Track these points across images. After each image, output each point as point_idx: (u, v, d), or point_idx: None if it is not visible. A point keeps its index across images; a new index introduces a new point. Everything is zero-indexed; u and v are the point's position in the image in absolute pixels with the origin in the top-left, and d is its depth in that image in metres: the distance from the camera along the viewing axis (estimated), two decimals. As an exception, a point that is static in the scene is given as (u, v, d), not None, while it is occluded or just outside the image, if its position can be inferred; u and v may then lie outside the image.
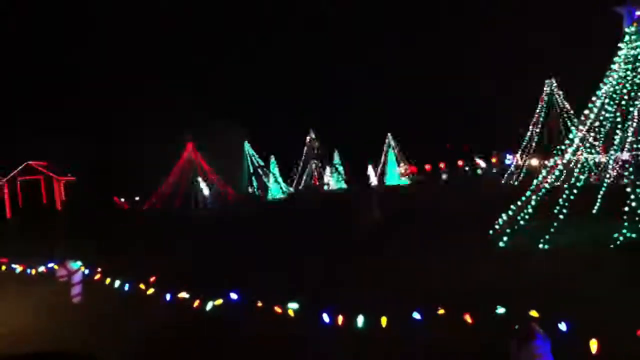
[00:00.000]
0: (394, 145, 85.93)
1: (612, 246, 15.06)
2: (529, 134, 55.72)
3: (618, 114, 18.17)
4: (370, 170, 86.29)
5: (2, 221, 52.89)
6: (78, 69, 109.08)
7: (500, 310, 6.89)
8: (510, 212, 18.52)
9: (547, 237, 16.02)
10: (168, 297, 10.71)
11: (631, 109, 18.17)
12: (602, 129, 18.51)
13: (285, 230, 29.93)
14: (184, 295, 10.43)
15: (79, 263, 13.41)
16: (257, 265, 17.64)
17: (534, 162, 52.73)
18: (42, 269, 15.41)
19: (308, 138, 79.24)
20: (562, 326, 6.08)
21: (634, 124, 18.35)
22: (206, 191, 64.91)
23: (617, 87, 18.14)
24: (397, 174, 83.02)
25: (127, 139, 74.25)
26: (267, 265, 17.52)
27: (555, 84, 54.25)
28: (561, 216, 16.75)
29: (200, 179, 64.53)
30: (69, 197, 58.80)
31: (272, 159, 72.00)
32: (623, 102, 18.14)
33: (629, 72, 17.96)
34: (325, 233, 25.63)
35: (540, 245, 15.87)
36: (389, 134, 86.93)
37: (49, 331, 11.14)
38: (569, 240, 15.75)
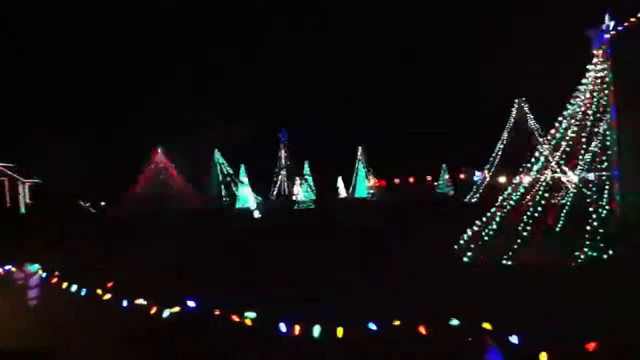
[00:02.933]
0: (364, 160, 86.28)
1: (573, 264, 15.22)
2: (497, 151, 56.47)
3: (584, 134, 18.44)
4: (340, 182, 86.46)
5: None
6: (50, 72, 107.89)
7: (455, 322, 6.90)
8: (475, 228, 18.63)
9: (510, 253, 16.15)
10: (125, 303, 10.54)
11: (596, 129, 18.44)
12: (567, 149, 18.77)
13: (250, 238, 29.80)
14: (141, 301, 10.28)
15: (36, 266, 13.16)
16: (219, 273, 17.49)
17: (501, 179, 53.30)
18: (-1, 271, 15.11)
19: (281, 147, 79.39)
20: (514, 339, 6.11)
21: (599, 145, 18.62)
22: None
23: (583, 109, 18.43)
24: (366, 187, 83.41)
25: (96, 143, 73.57)
26: (229, 273, 17.39)
27: (524, 104, 55.15)
28: (525, 233, 16.92)
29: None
30: (34, 200, 57.77)
31: (242, 168, 71.77)
32: (589, 123, 18.42)
33: (595, 94, 18.25)
34: (290, 243, 25.61)
35: (504, 261, 15.99)
36: (359, 148, 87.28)
37: (5, 332, 10.88)
38: (532, 256, 15.87)
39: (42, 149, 60.86)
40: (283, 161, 73.03)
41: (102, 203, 66.12)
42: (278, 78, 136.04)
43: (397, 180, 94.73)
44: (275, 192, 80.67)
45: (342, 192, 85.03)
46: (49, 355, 4.92)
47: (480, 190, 55.51)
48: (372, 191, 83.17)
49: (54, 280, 13.12)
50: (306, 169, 76.99)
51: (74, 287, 12.22)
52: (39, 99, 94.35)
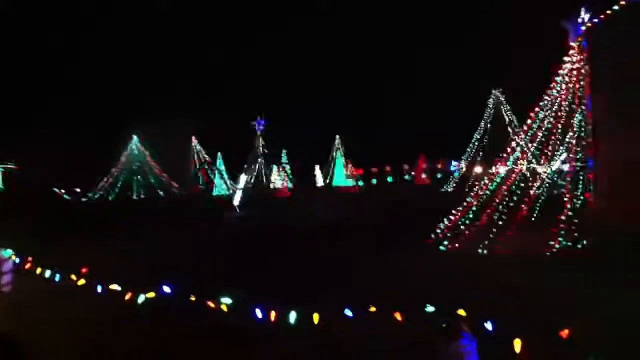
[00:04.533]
0: (341, 148, 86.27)
1: (548, 253, 15.39)
2: (474, 142, 56.78)
3: (559, 125, 18.60)
4: (317, 171, 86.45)
5: None
6: (25, 59, 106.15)
7: (430, 309, 6.95)
8: (451, 217, 18.76)
9: (486, 242, 16.28)
10: (100, 289, 10.45)
11: (572, 121, 18.62)
12: (543, 140, 18.94)
13: (226, 225, 29.80)
14: (115, 287, 10.20)
15: (9, 251, 12.99)
16: (196, 259, 17.45)
17: (478, 169, 53.64)
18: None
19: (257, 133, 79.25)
20: (489, 325, 6.16)
21: (575, 136, 18.81)
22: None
23: (559, 100, 18.58)
24: (344, 176, 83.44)
25: (71, 130, 72.76)
26: (206, 259, 17.37)
27: (500, 95, 55.50)
28: (500, 222, 17.08)
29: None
30: (8, 185, 57.15)
31: (219, 156, 71.52)
32: (564, 115, 18.58)
33: (571, 86, 18.41)
34: (266, 231, 25.63)
35: (480, 250, 16.12)
36: (337, 137, 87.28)
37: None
38: (507, 246, 16.00)
39: (17, 136, 60.22)
40: (260, 150, 72.59)
41: (77, 190, 65.56)
42: (257, 66, 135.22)
43: (374, 169, 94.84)
44: (252, 181, 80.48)
45: (320, 181, 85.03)
46: (15, 342, 4.85)
47: (457, 181, 55.85)
48: (350, 180, 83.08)
49: (28, 266, 12.99)
50: (284, 157, 76.94)
51: (48, 273, 12.12)
52: (14, 85, 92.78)
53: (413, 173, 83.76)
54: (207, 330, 9.29)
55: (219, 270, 15.53)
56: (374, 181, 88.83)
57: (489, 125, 56.00)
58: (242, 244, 21.74)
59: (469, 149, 57.41)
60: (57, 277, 11.80)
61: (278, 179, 62.99)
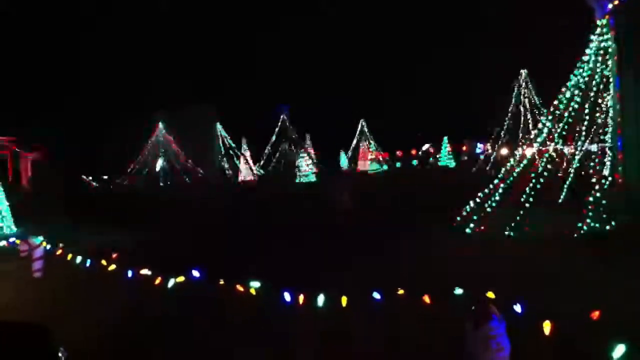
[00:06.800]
0: (366, 131, 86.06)
1: (575, 235, 15.25)
2: (502, 124, 56.26)
3: (586, 105, 18.35)
4: (342, 155, 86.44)
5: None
6: (51, 50, 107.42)
7: (459, 291, 6.95)
8: (477, 200, 18.63)
9: (513, 224, 16.18)
10: (130, 273, 10.62)
11: (600, 100, 18.35)
12: (570, 120, 18.69)
13: (255, 212, 29.93)
14: (145, 272, 10.35)
15: (40, 238, 13.24)
16: (224, 245, 17.57)
17: (504, 151, 53.23)
18: (3, 243, 15.22)
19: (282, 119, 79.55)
20: (518, 308, 6.15)
21: (602, 116, 18.54)
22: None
23: (586, 79, 18.30)
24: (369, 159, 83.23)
25: (98, 118, 73.60)
26: (235, 245, 17.48)
27: (526, 75, 54.89)
28: (527, 205, 16.94)
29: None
30: (36, 174, 57.90)
31: (244, 141, 71.80)
32: (592, 94, 18.31)
33: (598, 64, 18.13)
34: (294, 216, 25.72)
35: (506, 233, 16.03)
36: (361, 121, 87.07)
37: (11, 305, 10.94)
38: (534, 228, 15.87)
39: (45, 125, 60.90)
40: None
41: (105, 177, 66.38)
42: (280, 52, 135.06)
43: (399, 153, 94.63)
44: (275, 166, 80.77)
45: (344, 165, 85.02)
46: (44, 330, 4.95)
47: (482, 163, 55.45)
48: (375, 164, 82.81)
49: (59, 252, 13.23)
50: (308, 142, 77.02)
51: (79, 259, 12.33)
52: (41, 75, 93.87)
53: (438, 155, 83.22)
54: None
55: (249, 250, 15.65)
56: (398, 164, 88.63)
57: (515, 107, 55.45)
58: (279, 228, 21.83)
59: (494, 130, 56.87)
60: (88, 263, 12.02)
61: (302, 163, 62.92)
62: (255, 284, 8.63)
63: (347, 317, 7.77)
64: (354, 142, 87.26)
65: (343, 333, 7.69)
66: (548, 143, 19.48)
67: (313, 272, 11.90)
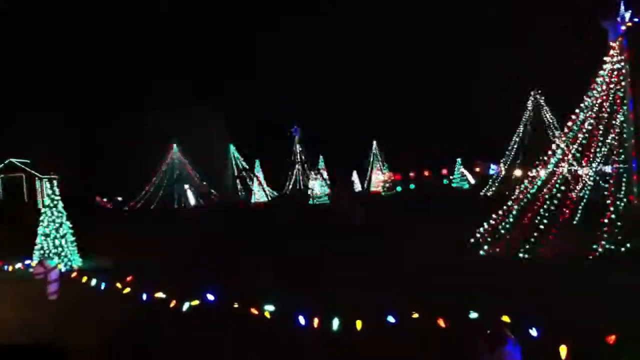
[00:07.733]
0: (378, 153, 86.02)
1: (590, 257, 15.14)
2: (512, 145, 56.04)
3: (600, 126, 18.30)
4: (355, 176, 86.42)
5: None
6: (64, 69, 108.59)
7: (473, 315, 6.92)
8: (491, 221, 18.56)
9: (527, 246, 16.10)
10: (144, 297, 10.66)
11: (613, 122, 18.30)
12: (584, 142, 18.63)
13: (269, 231, 29.97)
14: (160, 295, 10.39)
15: (55, 261, 13.34)
16: (237, 265, 17.58)
17: (517, 172, 52.95)
18: (19, 265, 15.33)
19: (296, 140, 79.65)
20: (533, 332, 6.12)
21: (616, 137, 18.47)
22: (190, 194, 65.59)
23: (599, 101, 18.28)
24: (381, 181, 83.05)
25: (112, 139, 74.09)
26: (248, 266, 17.49)
27: (539, 97, 54.75)
28: (541, 226, 16.85)
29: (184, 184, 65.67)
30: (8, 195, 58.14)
31: (257, 163, 71.97)
32: (605, 115, 18.27)
33: (612, 86, 18.11)
34: (309, 233, 25.78)
35: (520, 255, 15.95)
36: (374, 142, 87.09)
37: (26, 325, 10.98)
38: (549, 249, 15.78)
39: (59, 145, 61.42)
40: (297, 156, 72.90)
41: (119, 198, 66.77)
42: (291, 72, 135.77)
43: (412, 174, 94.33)
44: (290, 187, 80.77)
45: (357, 186, 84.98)
46: (57, 351, 4.96)
47: (496, 184, 55.12)
48: (387, 186, 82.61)
49: (74, 274, 13.32)
50: (321, 163, 77.05)
51: (94, 281, 12.40)
52: (53, 95, 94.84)
53: (451, 177, 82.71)
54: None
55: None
56: (412, 186, 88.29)
57: (528, 127, 55.26)
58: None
59: (507, 152, 56.64)
60: (103, 285, 12.08)
61: (316, 184, 62.88)
62: (269, 308, 8.64)
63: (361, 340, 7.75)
64: (367, 163, 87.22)
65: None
66: (562, 164, 19.41)
67: (333, 289, 11.95)
